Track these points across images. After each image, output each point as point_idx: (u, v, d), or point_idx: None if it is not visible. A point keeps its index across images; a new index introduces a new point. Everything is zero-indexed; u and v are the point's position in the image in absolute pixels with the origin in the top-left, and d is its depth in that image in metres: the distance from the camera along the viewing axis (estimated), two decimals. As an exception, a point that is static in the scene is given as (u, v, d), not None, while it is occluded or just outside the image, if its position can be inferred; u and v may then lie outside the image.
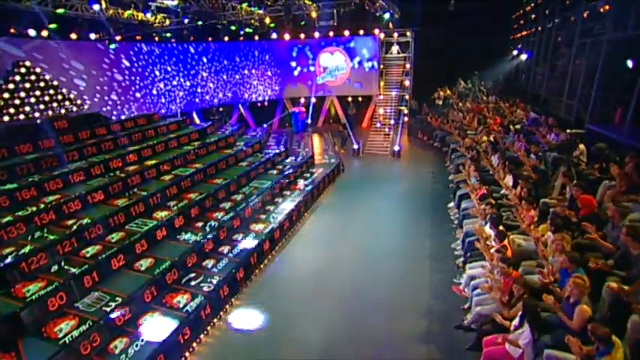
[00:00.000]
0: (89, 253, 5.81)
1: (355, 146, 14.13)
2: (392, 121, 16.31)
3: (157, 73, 14.13)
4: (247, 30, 13.97)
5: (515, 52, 14.43)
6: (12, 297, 4.79)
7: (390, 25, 15.55)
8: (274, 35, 14.53)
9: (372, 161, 13.48)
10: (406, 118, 17.27)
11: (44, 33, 9.89)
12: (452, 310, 5.37)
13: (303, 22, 12.04)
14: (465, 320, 4.89)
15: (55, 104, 9.56)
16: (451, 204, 8.53)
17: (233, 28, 12.78)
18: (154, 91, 14.10)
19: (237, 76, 17.69)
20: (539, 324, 3.50)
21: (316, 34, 17.12)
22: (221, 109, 17.51)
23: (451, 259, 6.61)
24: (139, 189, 7.75)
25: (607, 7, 7.47)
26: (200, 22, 10.28)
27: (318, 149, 14.06)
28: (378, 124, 16.49)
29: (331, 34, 17.37)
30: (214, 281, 5.85)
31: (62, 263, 5.51)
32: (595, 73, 7.76)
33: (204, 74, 16.30)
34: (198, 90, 16.22)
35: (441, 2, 15.01)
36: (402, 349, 4.83)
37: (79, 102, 10.10)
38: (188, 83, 15.66)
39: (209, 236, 6.78)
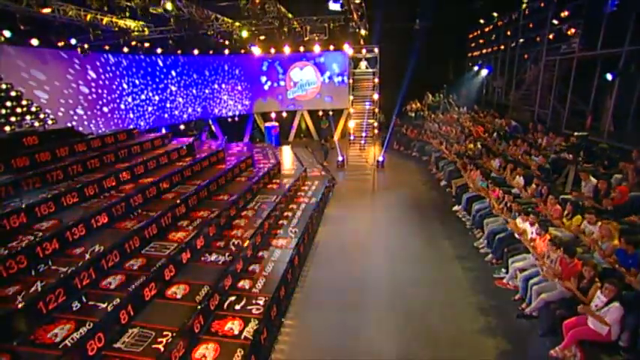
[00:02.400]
0: (112, 285, 5.01)
1: (340, 158, 14.31)
2: (364, 134, 16.89)
3: (125, 86, 12.96)
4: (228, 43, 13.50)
5: (475, 68, 16.10)
6: (36, 345, 3.90)
7: (362, 42, 16.32)
8: (253, 49, 14.31)
9: (358, 172, 13.71)
10: (376, 131, 18.02)
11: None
12: (501, 303, 5.62)
13: (283, 37, 12.04)
14: (524, 309, 5.15)
15: (13, 118, 8.21)
16: (456, 207, 9.02)
17: (221, 40, 12.33)
18: (122, 106, 12.87)
19: (206, 91, 17.01)
20: (629, 302, 3.85)
21: (292, 49, 17.25)
22: (192, 124, 16.55)
23: (478, 257, 6.95)
24: (143, 209, 6.93)
25: (573, 30, 8.82)
26: (188, 32, 9.69)
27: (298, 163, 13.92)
28: (352, 137, 16.96)
29: (301, 49, 17.66)
30: (261, 302, 5.40)
31: (83, 299, 4.67)
32: (566, 85, 9.05)
33: (173, 88, 15.37)
34: (167, 105, 15.19)
35: (406, 21, 16.21)
36: (473, 345, 4.90)
37: (42, 116, 8.81)
38: (157, 98, 14.59)
39: (237, 255, 6.28)
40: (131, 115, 13.37)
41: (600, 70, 8.75)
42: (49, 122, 9.01)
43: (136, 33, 10.03)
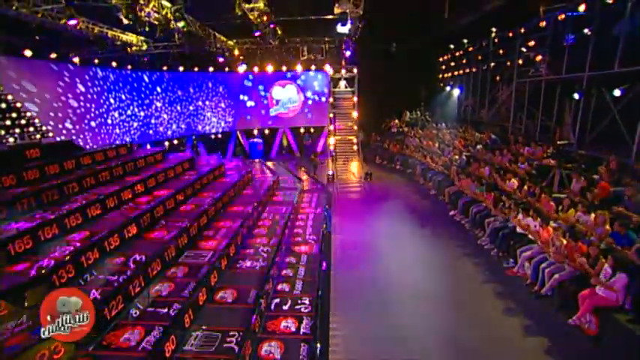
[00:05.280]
0: (163, 292, 4.99)
1: (330, 172, 14.85)
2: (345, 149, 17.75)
3: (112, 101, 12.60)
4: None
5: (448, 88, 17.80)
6: (113, 349, 3.85)
7: (343, 62, 17.38)
8: (241, 67, 14.66)
9: (348, 185, 14.32)
10: (355, 147, 18.96)
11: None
12: (515, 289, 6.37)
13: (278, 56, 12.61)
14: (539, 291, 5.92)
15: (17, 130, 7.83)
16: (452, 212, 9.89)
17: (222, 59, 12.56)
18: (109, 121, 12.45)
19: (191, 108, 16.89)
20: (630, 271, 4.71)
21: (275, 67, 17.83)
22: (175, 141, 16.24)
23: (484, 253, 7.73)
24: (166, 220, 6.88)
25: (539, 57, 10.40)
26: (192, 48, 9.85)
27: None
28: (332, 153, 17.68)
29: (284, 69, 18.31)
30: (306, 301, 5.63)
31: (139, 305, 4.63)
32: (535, 103, 10.57)
33: (159, 104, 15.13)
34: (152, 121, 14.87)
35: (383, 44, 17.64)
36: (500, 324, 5.54)
37: (44, 128, 8.45)
38: (142, 113, 14.27)
39: (271, 261, 6.46)
40: (117, 131, 12.95)
41: (561, 91, 10.35)
42: (47, 136, 8.62)
43: (135, 48, 9.98)
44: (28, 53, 9.00)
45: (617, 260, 4.76)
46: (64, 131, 10.49)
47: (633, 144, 7.82)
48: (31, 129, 8.21)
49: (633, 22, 7.78)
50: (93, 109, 11.72)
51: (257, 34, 9.20)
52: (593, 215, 5.93)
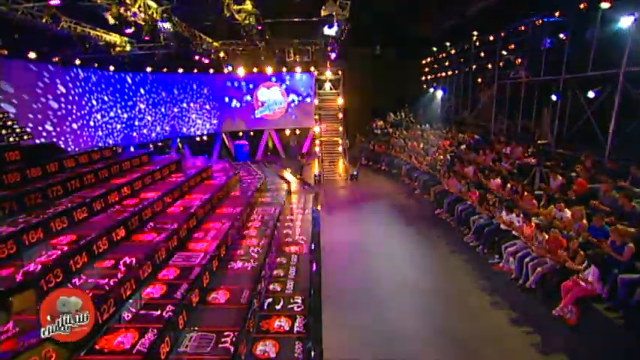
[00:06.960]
0: (156, 294, 4.94)
1: (316, 173, 14.93)
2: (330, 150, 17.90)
3: (94, 102, 12.29)
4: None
5: (431, 90, 18.24)
6: (106, 353, 3.79)
7: (329, 65, 17.51)
8: (229, 68, 14.58)
9: (335, 185, 14.46)
10: (340, 148, 19.11)
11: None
12: (500, 283, 6.60)
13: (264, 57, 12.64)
14: (523, 284, 6.16)
15: (-4, 132, 7.55)
16: (438, 210, 10.13)
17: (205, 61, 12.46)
18: (92, 123, 12.14)
19: (175, 109, 16.65)
20: (604, 263, 4.99)
21: (259, 69, 17.80)
22: (160, 143, 15.96)
23: (470, 250, 7.97)
24: (155, 223, 6.79)
25: (519, 60, 10.84)
26: (178, 50, 9.73)
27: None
28: (318, 155, 17.76)
29: (269, 71, 18.30)
30: (299, 301, 5.67)
31: (132, 308, 4.56)
32: (515, 104, 11.02)
33: (142, 106, 14.84)
34: (136, 123, 14.58)
35: (368, 46, 17.95)
36: (488, 317, 5.74)
37: (19, 130, 8.18)
38: (125, 115, 13.97)
39: (262, 262, 6.47)
40: (100, 133, 12.64)
41: (539, 93, 10.80)
42: (25, 137, 8.32)
43: (118, 48, 9.79)
44: (4, 52, 8.70)
45: (588, 255, 5.05)
46: (45, 133, 10.18)
47: (606, 143, 8.27)
48: (10, 130, 7.91)
49: (603, 28, 8.22)
50: (74, 111, 11.41)
51: (254, 46, 9.12)
52: (569, 212, 6.23)
